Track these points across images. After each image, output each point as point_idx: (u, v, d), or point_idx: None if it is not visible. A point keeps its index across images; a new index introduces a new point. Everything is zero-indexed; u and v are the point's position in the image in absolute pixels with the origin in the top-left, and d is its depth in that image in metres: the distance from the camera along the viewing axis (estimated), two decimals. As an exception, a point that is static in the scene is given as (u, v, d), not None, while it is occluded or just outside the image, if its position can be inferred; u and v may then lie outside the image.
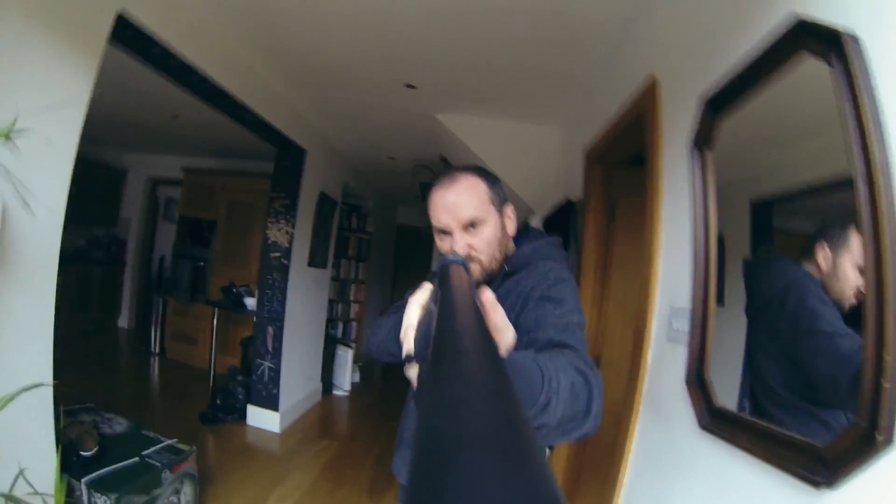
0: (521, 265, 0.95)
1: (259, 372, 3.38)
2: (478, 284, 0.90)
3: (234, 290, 4.04)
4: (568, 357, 0.66)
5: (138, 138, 5.12)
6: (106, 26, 1.63)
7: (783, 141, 1.01)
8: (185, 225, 5.38)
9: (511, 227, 0.99)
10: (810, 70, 0.81)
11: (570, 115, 2.83)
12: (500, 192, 0.96)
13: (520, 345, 0.59)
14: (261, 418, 3.50)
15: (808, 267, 0.85)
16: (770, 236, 1.05)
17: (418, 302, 0.54)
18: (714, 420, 0.99)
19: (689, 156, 1.20)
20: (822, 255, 0.83)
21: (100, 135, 4.89)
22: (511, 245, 1.01)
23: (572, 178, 2.58)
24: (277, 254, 3.48)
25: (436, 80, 2.62)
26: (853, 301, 0.75)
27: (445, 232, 0.92)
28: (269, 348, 3.42)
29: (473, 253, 0.90)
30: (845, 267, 0.78)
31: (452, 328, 0.26)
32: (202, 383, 4.04)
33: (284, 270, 3.50)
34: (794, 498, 0.74)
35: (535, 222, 3.18)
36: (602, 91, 2.22)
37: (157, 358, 5.13)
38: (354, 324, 6.01)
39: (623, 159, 2.12)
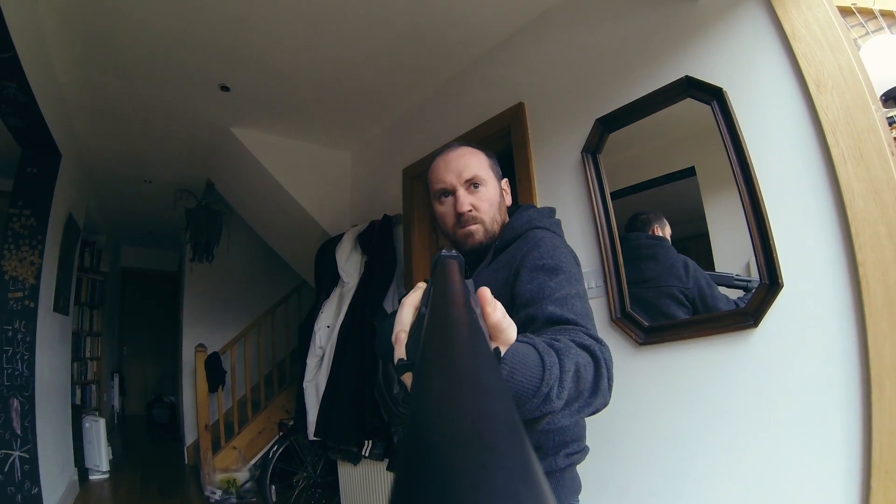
0: (515, 236, 0.92)
1: (6, 469, 2.29)
2: (471, 265, 0.92)
3: None
4: (570, 334, 0.65)
5: None
6: None
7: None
8: None
9: (507, 199, 1.00)
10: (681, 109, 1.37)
11: (381, 138, 3.00)
12: (496, 165, 0.98)
13: (518, 322, 0.56)
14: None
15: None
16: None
17: (411, 303, 0.49)
18: (650, 335, 1.45)
19: (581, 160, 1.68)
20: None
21: None
22: (507, 216, 1.00)
23: (379, 196, 2.86)
24: (20, 293, 2.46)
25: (252, 84, 2.45)
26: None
27: (446, 193, 0.92)
28: (18, 430, 2.36)
29: (476, 213, 0.91)
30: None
31: (442, 324, 0.25)
32: None
33: (31, 317, 2.50)
34: (735, 341, 1.25)
35: (350, 238, 2.96)
36: (434, 118, 2.55)
37: None
38: (93, 386, 4.57)
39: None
